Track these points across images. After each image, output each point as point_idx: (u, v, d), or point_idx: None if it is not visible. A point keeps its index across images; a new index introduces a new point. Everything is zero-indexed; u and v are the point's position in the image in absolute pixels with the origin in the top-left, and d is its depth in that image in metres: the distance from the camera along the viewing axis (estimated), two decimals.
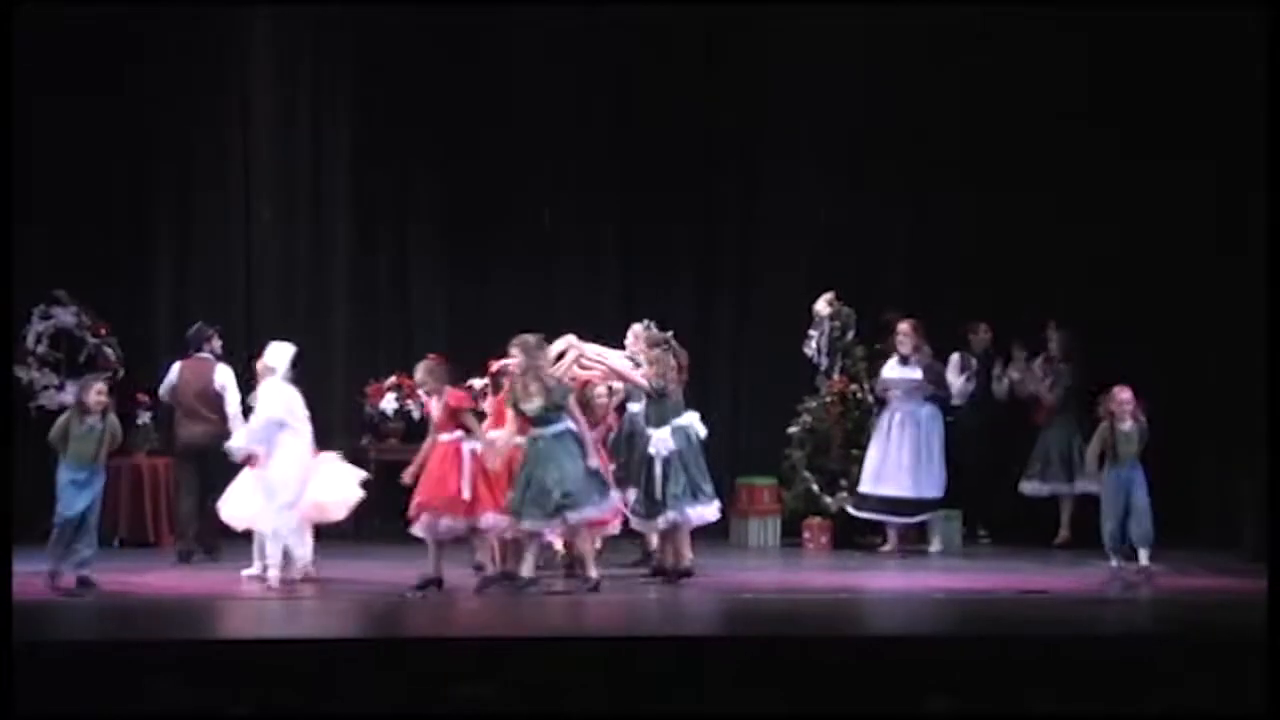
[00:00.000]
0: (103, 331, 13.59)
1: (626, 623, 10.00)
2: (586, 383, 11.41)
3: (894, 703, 7.53)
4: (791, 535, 13.80)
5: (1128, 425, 11.53)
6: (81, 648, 8.37)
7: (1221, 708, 7.30)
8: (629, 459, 11.55)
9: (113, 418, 10.79)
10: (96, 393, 10.75)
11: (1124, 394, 11.57)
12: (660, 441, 11.26)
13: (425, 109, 14.54)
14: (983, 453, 13.82)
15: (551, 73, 14.55)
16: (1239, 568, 11.77)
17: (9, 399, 11.81)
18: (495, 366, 11.37)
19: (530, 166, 14.56)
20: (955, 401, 13.84)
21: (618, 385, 11.58)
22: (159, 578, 11.48)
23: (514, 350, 10.83)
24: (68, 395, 12.47)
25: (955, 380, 13.87)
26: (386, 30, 14.39)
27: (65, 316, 13.54)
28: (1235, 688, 7.43)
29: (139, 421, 13.12)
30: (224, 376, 12.32)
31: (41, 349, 13.47)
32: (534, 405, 10.69)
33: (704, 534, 11.96)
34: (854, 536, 13.51)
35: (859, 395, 13.70)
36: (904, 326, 13.33)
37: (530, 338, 10.86)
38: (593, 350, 11.48)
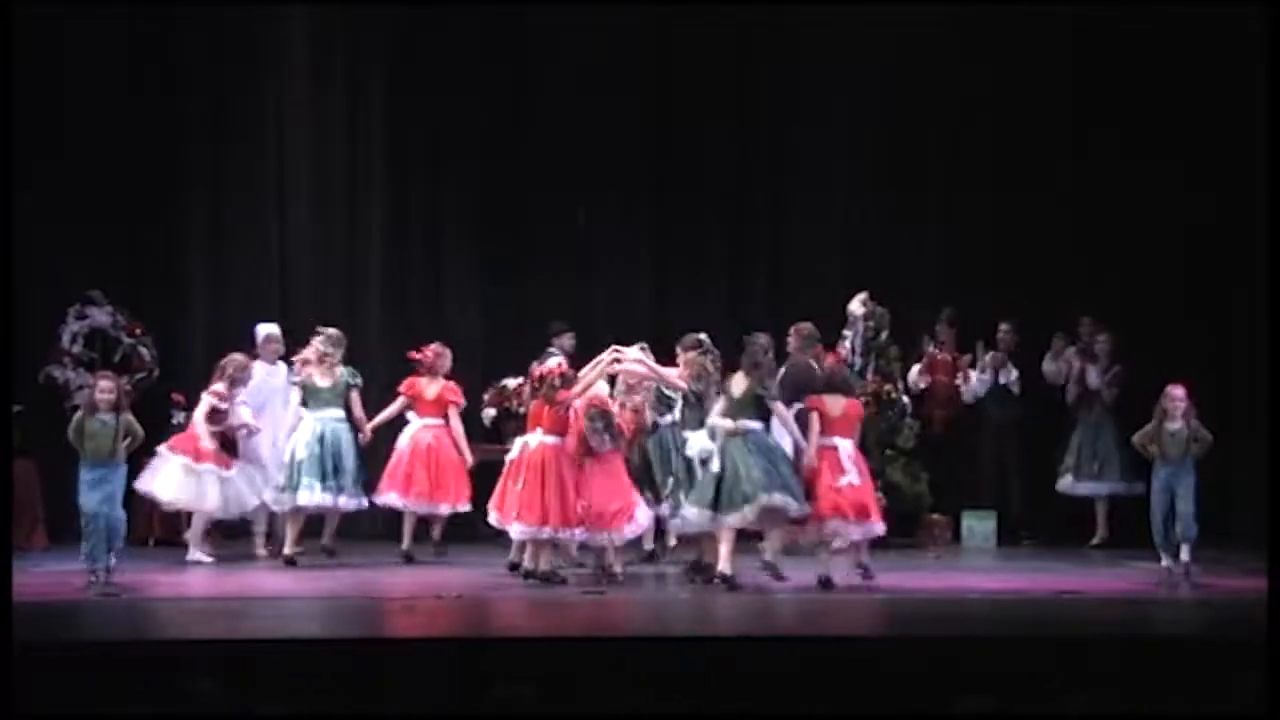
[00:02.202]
0: (138, 331, 13.65)
1: (658, 623, 9.99)
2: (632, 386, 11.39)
3: (926, 703, 7.51)
4: None
5: (1176, 425, 11.22)
6: (110, 648, 8.38)
7: (1253, 709, 7.27)
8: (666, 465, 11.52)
9: (127, 415, 10.75)
10: (100, 390, 10.72)
11: (1176, 391, 11.27)
12: (700, 444, 11.15)
13: (459, 109, 14.56)
14: (1023, 453, 13.90)
15: (584, 73, 14.54)
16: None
17: (8, 399, 11.80)
18: (538, 372, 11.29)
19: (563, 167, 14.56)
20: (966, 399, 13.89)
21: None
22: (192, 578, 11.52)
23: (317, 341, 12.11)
24: None
25: (973, 377, 13.96)
26: (420, 30, 14.44)
27: (100, 316, 13.60)
28: (1262, 689, 7.39)
29: (174, 420, 13.07)
30: None
31: (77, 349, 13.52)
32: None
33: (738, 534, 11.91)
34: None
35: (893, 395, 13.61)
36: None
37: (333, 331, 12.14)
38: (632, 355, 11.39)
